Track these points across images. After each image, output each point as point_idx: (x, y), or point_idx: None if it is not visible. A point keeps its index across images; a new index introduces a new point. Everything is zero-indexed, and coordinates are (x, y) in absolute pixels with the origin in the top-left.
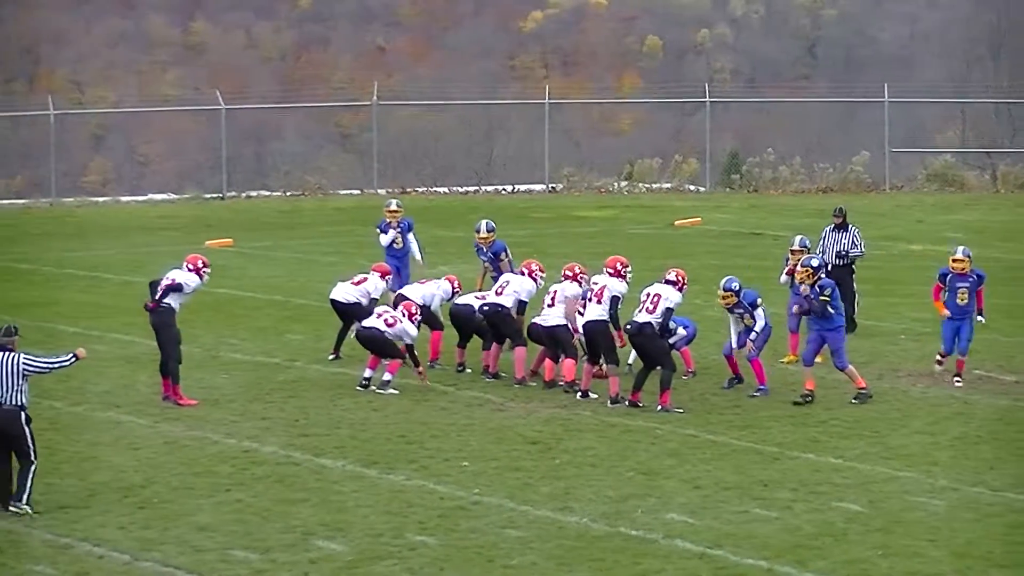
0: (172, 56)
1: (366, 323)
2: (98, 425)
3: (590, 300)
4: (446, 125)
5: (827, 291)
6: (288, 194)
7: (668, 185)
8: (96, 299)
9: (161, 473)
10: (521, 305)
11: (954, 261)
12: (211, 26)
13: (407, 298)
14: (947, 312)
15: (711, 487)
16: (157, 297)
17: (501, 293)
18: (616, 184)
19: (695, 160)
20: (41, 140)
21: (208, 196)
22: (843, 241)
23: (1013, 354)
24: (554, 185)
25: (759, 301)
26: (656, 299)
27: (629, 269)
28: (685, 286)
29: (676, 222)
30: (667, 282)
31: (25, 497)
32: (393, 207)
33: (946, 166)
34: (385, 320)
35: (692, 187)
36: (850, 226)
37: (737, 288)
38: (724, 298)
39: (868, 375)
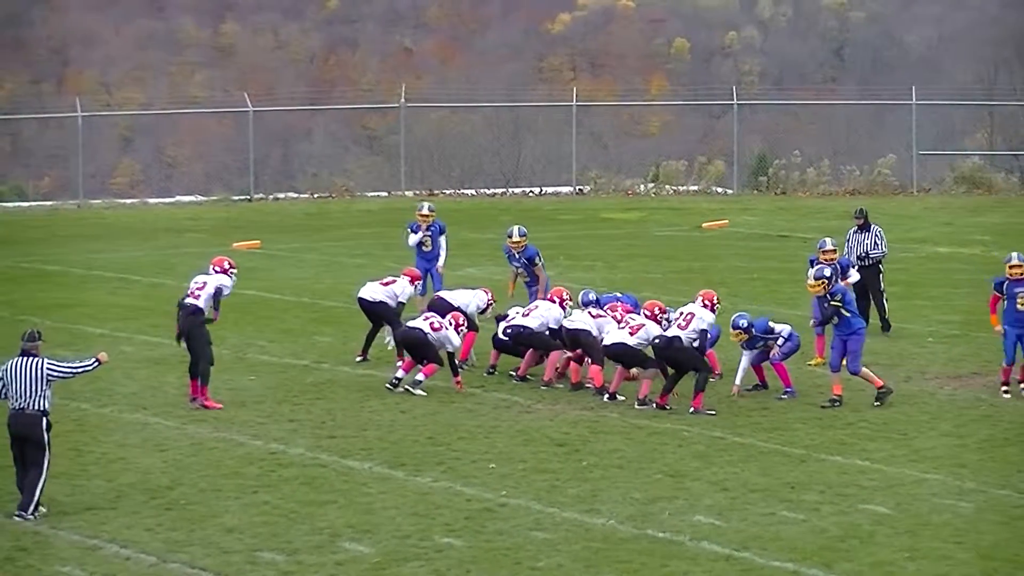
0: (201, 57)
1: (411, 324)
2: (125, 427)
3: (677, 325)
4: (473, 127)
5: (837, 297)
6: (315, 196)
7: (695, 187)
8: (124, 301)
9: (188, 475)
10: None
11: (1011, 267)
12: (240, 28)
13: (444, 300)
14: (1000, 329)
15: (738, 489)
16: (215, 312)
17: (528, 315)
18: (643, 186)
19: (721, 162)
20: (69, 142)
21: (236, 198)
22: (865, 242)
23: None
24: (581, 187)
25: (771, 325)
26: (689, 318)
27: (719, 304)
28: (717, 306)
29: (703, 224)
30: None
31: (31, 508)
32: (425, 211)
33: (974, 168)
34: (431, 324)
35: (719, 189)
36: (872, 226)
37: (746, 324)
38: (737, 336)
39: (895, 377)
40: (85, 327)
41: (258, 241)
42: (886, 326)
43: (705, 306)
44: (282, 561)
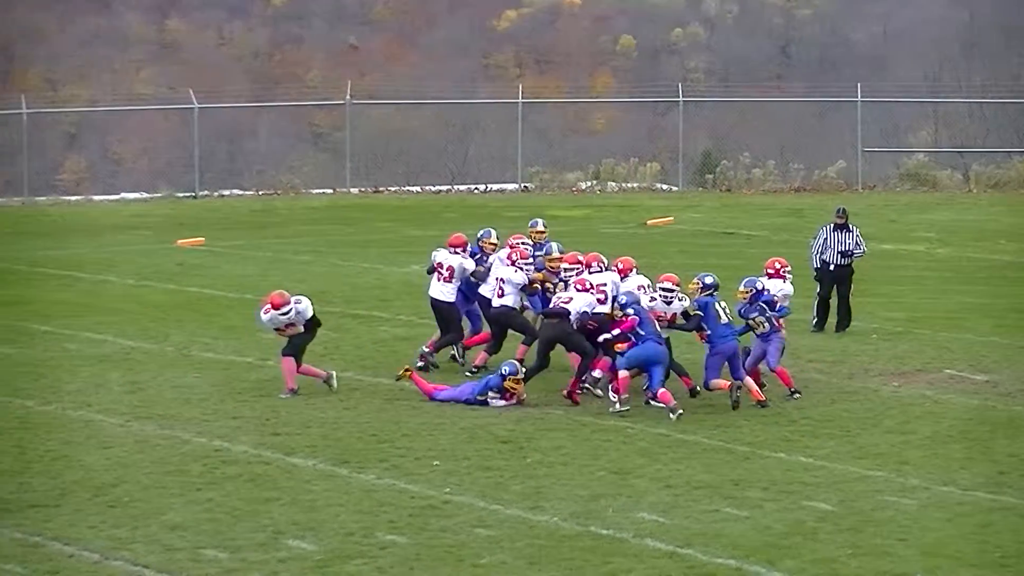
0: (147, 54)
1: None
2: (69, 424)
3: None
4: (420, 125)
5: (693, 309)
6: (261, 193)
7: (639, 185)
8: (69, 298)
9: (132, 472)
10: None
11: None
12: (185, 24)
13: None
14: None
15: (682, 486)
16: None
17: (502, 295)
18: (589, 184)
19: (657, 162)
20: (14, 139)
21: (181, 195)
22: (847, 241)
23: (985, 353)
24: (527, 184)
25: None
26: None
27: (788, 269)
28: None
29: (648, 221)
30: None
31: None
32: (540, 227)
33: (919, 166)
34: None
35: (665, 186)
36: (852, 226)
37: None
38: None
39: (839, 374)
40: (30, 324)
41: (202, 238)
42: (845, 325)
43: (770, 275)
44: (225, 558)
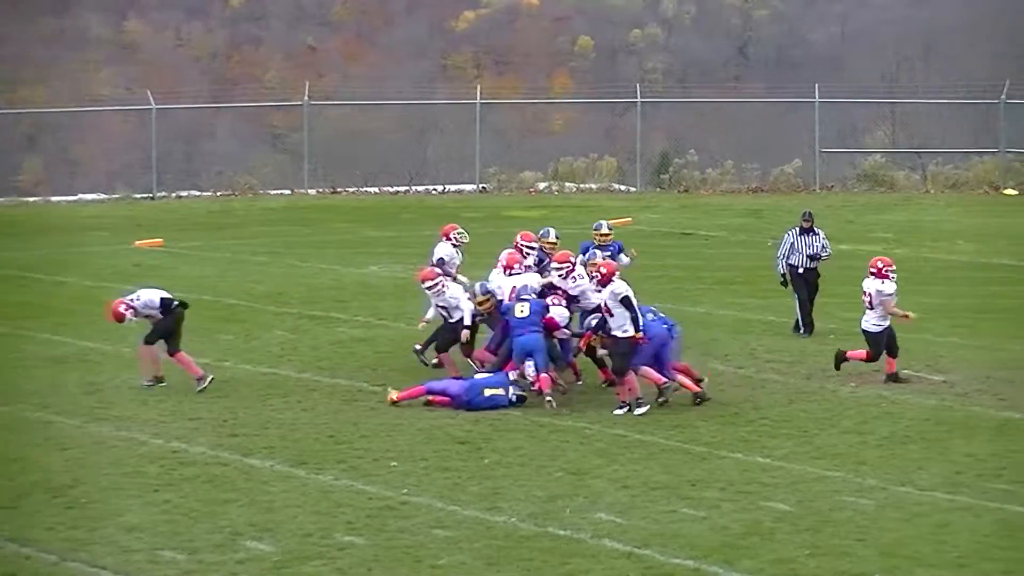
0: (105, 55)
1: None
2: (27, 426)
3: (867, 308)
4: (378, 125)
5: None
6: (218, 194)
7: (597, 185)
8: (27, 299)
9: (89, 473)
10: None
11: None
12: (143, 25)
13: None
14: None
15: (639, 487)
16: None
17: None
18: (548, 184)
19: (614, 158)
20: None
21: (139, 196)
22: (815, 244)
23: (942, 354)
24: (484, 185)
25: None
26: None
27: (892, 268)
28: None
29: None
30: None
31: None
32: (604, 230)
33: (876, 166)
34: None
35: (622, 187)
36: (817, 229)
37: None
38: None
39: (797, 375)
40: None
41: (160, 239)
42: (809, 329)
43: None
44: (183, 560)
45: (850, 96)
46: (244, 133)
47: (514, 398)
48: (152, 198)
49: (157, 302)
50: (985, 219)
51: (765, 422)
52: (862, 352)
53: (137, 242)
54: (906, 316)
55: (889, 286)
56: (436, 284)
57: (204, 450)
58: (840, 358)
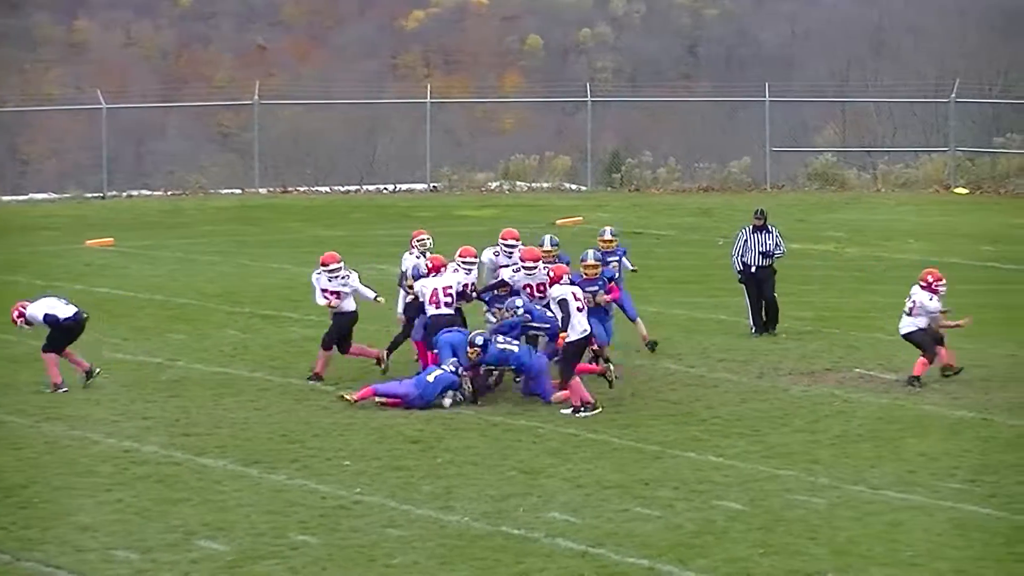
0: (55, 54)
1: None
2: None
3: (906, 313)
4: (328, 125)
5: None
6: (169, 193)
7: (548, 185)
8: None
9: (42, 473)
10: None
11: None
12: (93, 24)
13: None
14: None
15: (592, 486)
16: None
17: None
18: (499, 183)
19: (568, 157)
20: None
21: (89, 195)
22: (768, 242)
23: (894, 352)
24: (435, 184)
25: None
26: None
27: (943, 283)
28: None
29: (558, 221)
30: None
31: None
32: (608, 236)
33: (826, 165)
34: None
35: (573, 186)
36: (771, 227)
37: (482, 342)
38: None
39: (749, 374)
40: None
41: (111, 239)
42: (773, 325)
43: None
44: (137, 559)
45: (800, 95)
46: (194, 132)
47: (461, 371)
48: (103, 197)
49: (40, 318)
50: (936, 218)
51: (717, 421)
52: (921, 360)
53: (88, 241)
54: (958, 325)
55: (935, 303)
56: (338, 269)
57: (157, 449)
58: (943, 372)
